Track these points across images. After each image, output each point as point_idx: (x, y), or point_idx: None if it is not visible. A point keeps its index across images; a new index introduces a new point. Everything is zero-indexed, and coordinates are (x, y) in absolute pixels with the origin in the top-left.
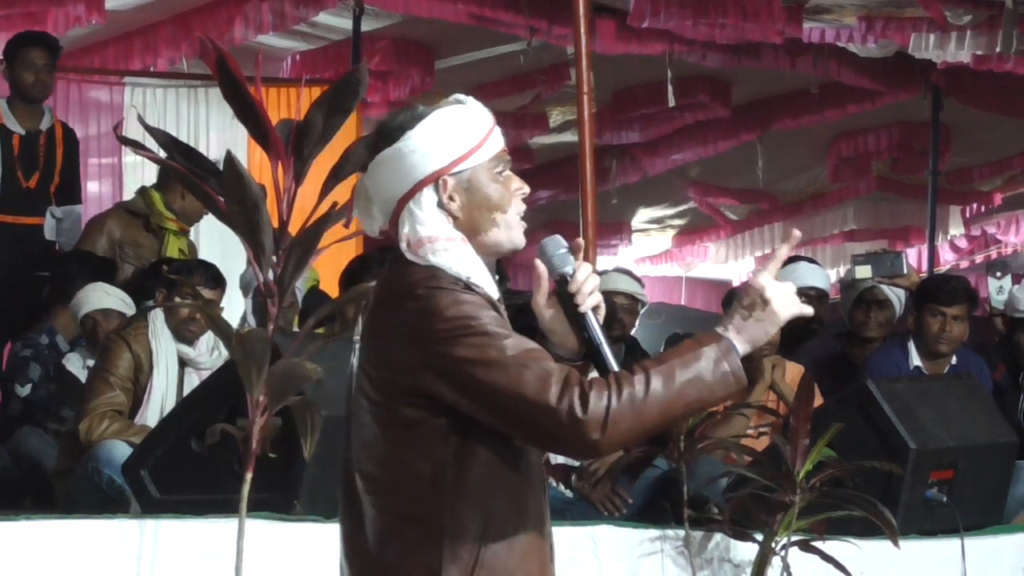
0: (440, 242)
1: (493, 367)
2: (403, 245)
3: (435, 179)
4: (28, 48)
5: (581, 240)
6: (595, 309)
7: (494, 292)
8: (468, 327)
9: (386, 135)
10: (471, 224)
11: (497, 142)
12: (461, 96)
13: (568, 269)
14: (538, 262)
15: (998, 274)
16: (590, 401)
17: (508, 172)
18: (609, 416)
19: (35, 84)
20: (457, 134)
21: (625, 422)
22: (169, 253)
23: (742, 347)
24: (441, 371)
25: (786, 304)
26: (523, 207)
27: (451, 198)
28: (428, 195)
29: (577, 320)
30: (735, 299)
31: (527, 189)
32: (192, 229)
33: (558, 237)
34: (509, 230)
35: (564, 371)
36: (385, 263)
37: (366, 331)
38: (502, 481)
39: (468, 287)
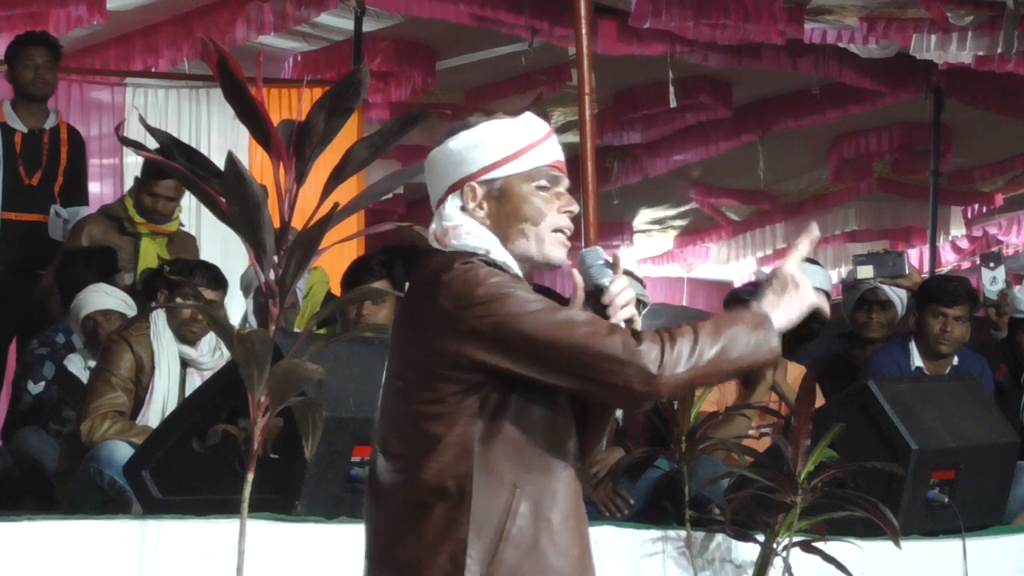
0: (464, 227)
1: (540, 316)
2: (431, 239)
3: (461, 185)
4: (28, 47)
5: (619, 253)
6: (629, 322)
7: (519, 273)
8: (506, 293)
9: (438, 141)
10: (498, 232)
11: (544, 156)
12: (527, 112)
13: (604, 281)
14: (575, 272)
15: (991, 264)
16: (644, 339)
17: (558, 189)
18: (664, 353)
19: (34, 82)
20: (492, 144)
21: (681, 362)
22: (143, 256)
23: (778, 320)
24: (484, 335)
25: (810, 292)
26: (564, 223)
27: (480, 206)
28: (453, 200)
29: None
30: (763, 284)
31: (575, 208)
32: (193, 229)
33: (598, 248)
34: (540, 243)
35: (608, 323)
36: (389, 263)
37: (401, 318)
38: (531, 459)
39: (495, 265)
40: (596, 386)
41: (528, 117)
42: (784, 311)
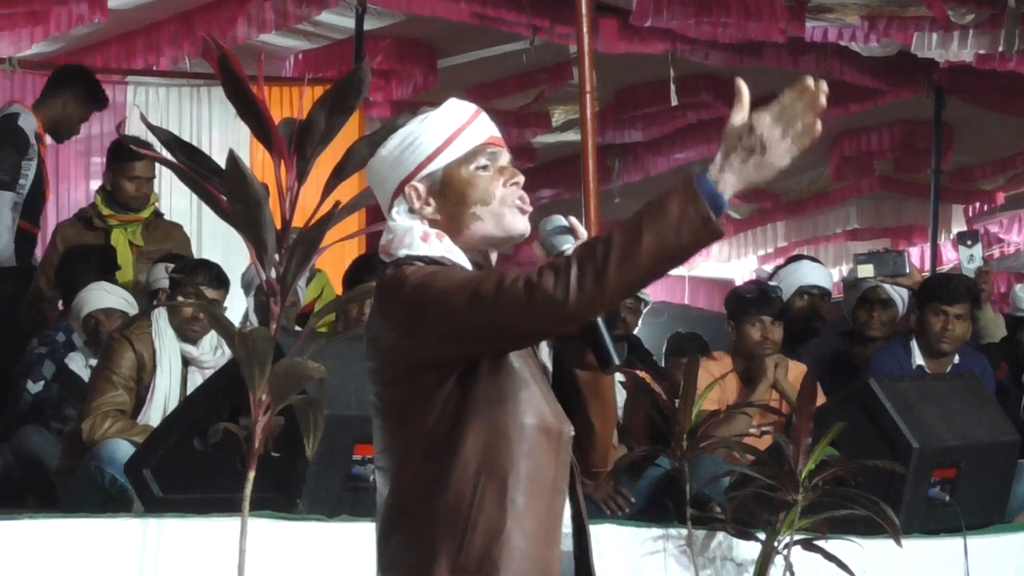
0: (399, 236)
1: (452, 294)
2: (381, 254)
3: (402, 189)
4: (94, 99)
5: (575, 220)
6: None
7: (467, 267)
8: (429, 282)
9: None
10: (453, 223)
11: (476, 136)
12: (452, 99)
13: (564, 247)
14: (536, 244)
15: (968, 242)
16: (546, 270)
17: (500, 164)
18: (568, 276)
19: (70, 128)
20: (422, 139)
21: (588, 277)
22: (116, 247)
23: (726, 182)
24: (416, 329)
25: (779, 147)
26: (515, 194)
27: (426, 203)
28: (399, 206)
29: None
30: (726, 134)
31: (520, 178)
32: (194, 227)
33: (557, 216)
34: (498, 219)
35: (529, 270)
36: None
37: (365, 331)
38: (493, 447)
39: (434, 262)
40: (519, 337)
41: (452, 103)
42: (736, 171)
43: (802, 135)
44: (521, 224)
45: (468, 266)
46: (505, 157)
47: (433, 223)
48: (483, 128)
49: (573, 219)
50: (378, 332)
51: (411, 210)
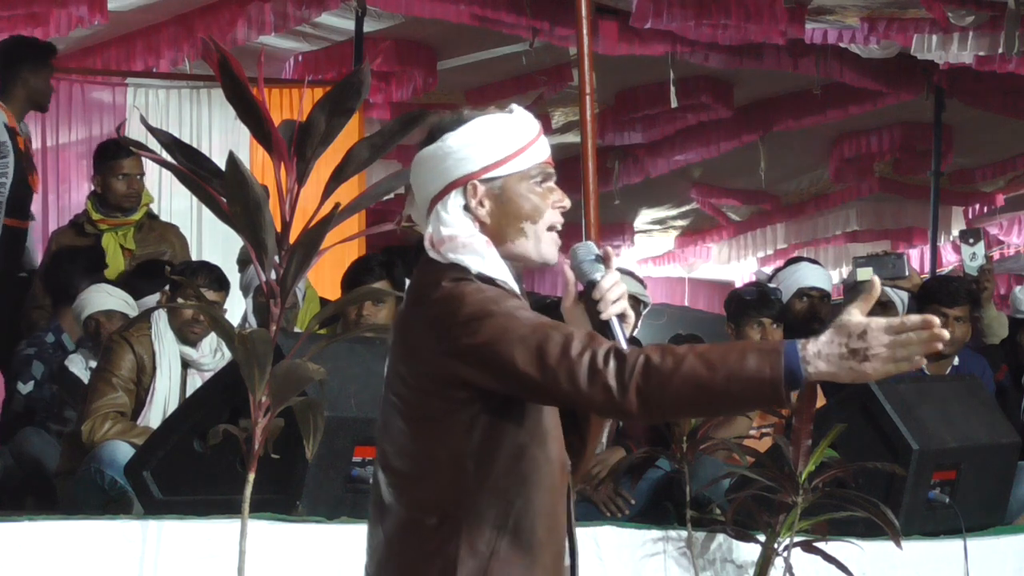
0: (460, 239)
1: (514, 342)
2: (427, 244)
3: (464, 183)
4: (49, 56)
5: (610, 249)
6: (622, 317)
7: (516, 289)
8: (489, 312)
9: (430, 135)
10: (498, 232)
11: (539, 153)
12: (514, 105)
13: (596, 276)
14: (566, 267)
15: (970, 240)
16: (612, 360)
17: (550, 184)
18: (634, 376)
19: (49, 94)
20: (493, 141)
21: (652, 387)
22: (107, 251)
23: (814, 365)
24: (466, 356)
25: (879, 370)
26: (558, 220)
27: (481, 203)
28: (455, 198)
29: (602, 328)
30: (841, 325)
31: (567, 203)
32: (193, 229)
33: (590, 243)
34: (538, 242)
35: (590, 335)
36: (389, 263)
37: (396, 330)
38: (522, 476)
39: (489, 281)
40: (566, 405)
41: (521, 113)
42: (832, 363)
43: (903, 363)
44: (553, 254)
45: (514, 285)
46: (554, 179)
47: (482, 226)
48: (545, 146)
49: (608, 248)
50: (418, 341)
51: (466, 207)
